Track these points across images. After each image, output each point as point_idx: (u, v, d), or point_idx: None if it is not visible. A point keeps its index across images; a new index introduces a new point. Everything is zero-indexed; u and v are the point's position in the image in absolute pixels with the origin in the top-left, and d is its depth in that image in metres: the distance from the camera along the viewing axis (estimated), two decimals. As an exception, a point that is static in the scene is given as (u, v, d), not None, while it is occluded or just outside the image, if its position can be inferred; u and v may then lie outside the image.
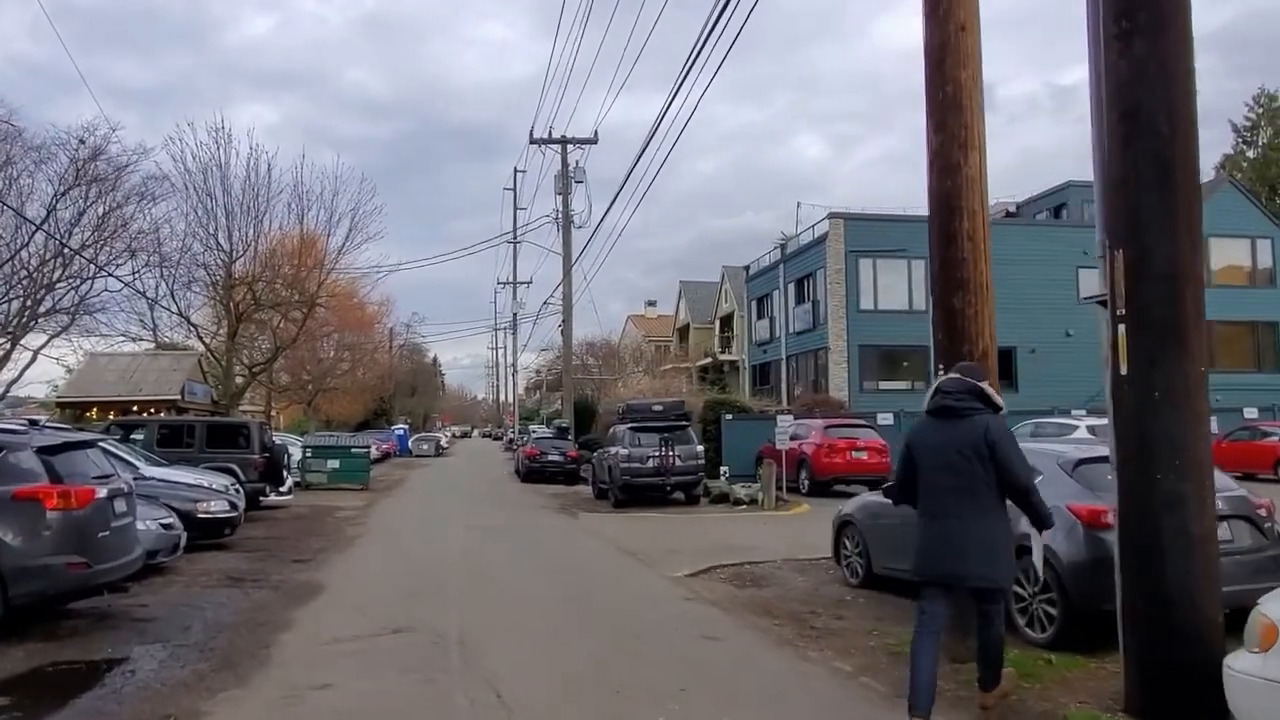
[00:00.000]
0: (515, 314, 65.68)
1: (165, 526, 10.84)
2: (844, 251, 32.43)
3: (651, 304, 76.61)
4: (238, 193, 24.98)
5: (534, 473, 30.11)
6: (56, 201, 19.59)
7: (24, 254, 19.84)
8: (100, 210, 20.61)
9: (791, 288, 36.91)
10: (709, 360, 52.60)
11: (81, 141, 19.65)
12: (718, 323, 58.27)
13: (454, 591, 9.80)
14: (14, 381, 22.78)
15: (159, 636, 7.55)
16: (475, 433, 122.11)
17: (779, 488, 19.29)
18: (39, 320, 21.35)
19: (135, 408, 22.48)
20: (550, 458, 30.45)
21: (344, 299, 43.21)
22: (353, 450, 25.94)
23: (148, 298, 23.89)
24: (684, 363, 55.74)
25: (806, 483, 21.18)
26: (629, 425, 20.75)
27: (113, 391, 22.87)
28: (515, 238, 55.10)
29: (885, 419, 24.76)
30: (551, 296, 45.51)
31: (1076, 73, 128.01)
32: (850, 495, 21.76)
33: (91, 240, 20.68)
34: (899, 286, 32.64)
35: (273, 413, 46.80)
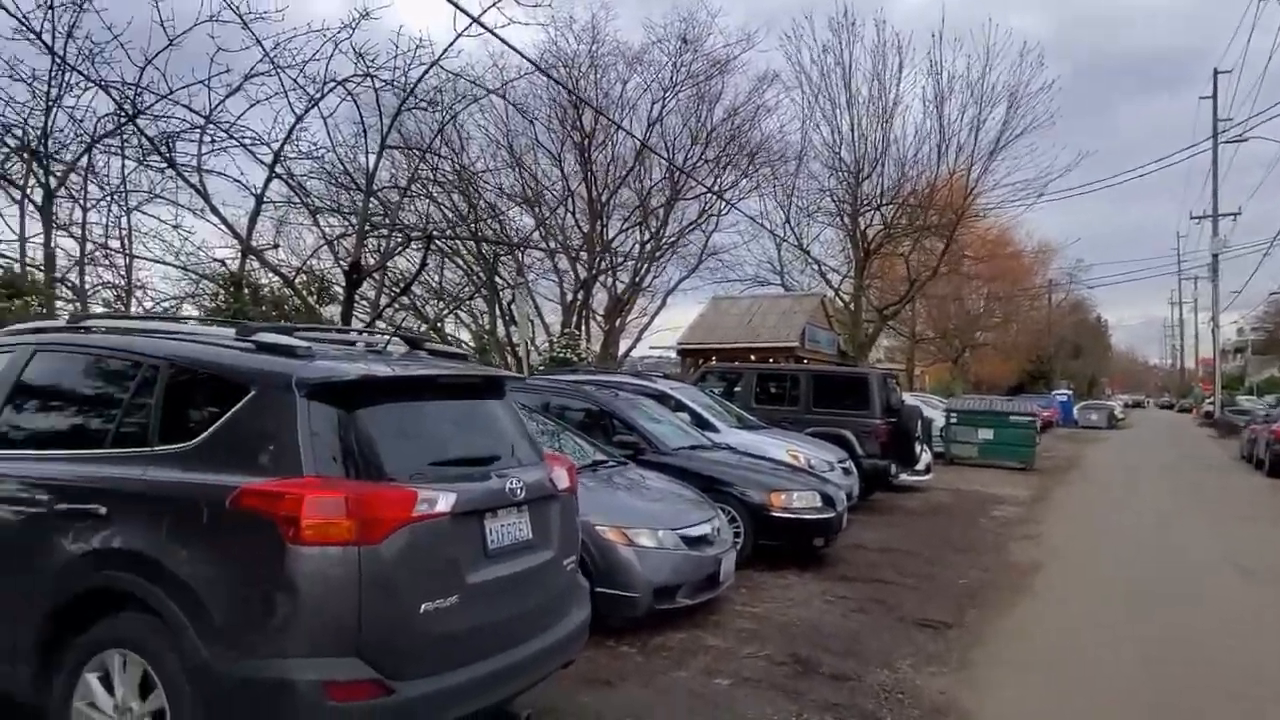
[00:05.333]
0: (1215, 254, 50.77)
1: (693, 542, 6.16)
2: None
3: None
4: (864, 95, 20.31)
5: (1292, 464, 19.78)
6: (663, 110, 17.07)
7: (638, 180, 17.97)
8: (706, 121, 17.70)
9: None
10: None
11: (684, 40, 16.91)
12: None
13: None
14: (645, 328, 21.71)
15: None
16: (1149, 402, 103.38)
17: None
18: (659, 259, 19.55)
19: (752, 355, 19.52)
20: (1325, 443, 19.70)
21: (995, 246, 36.79)
22: (1012, 418, 19.51)
23: (769, 229, 20.79)
24: None
25: None
26: None
27: (730, 337, 20.38)
28: (1216, 143, 41.64)
29: None
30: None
31: None
32: None
33: (701, 161, 17.97)
34: None
35: (916, 371, 42.58)
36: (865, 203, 20.90)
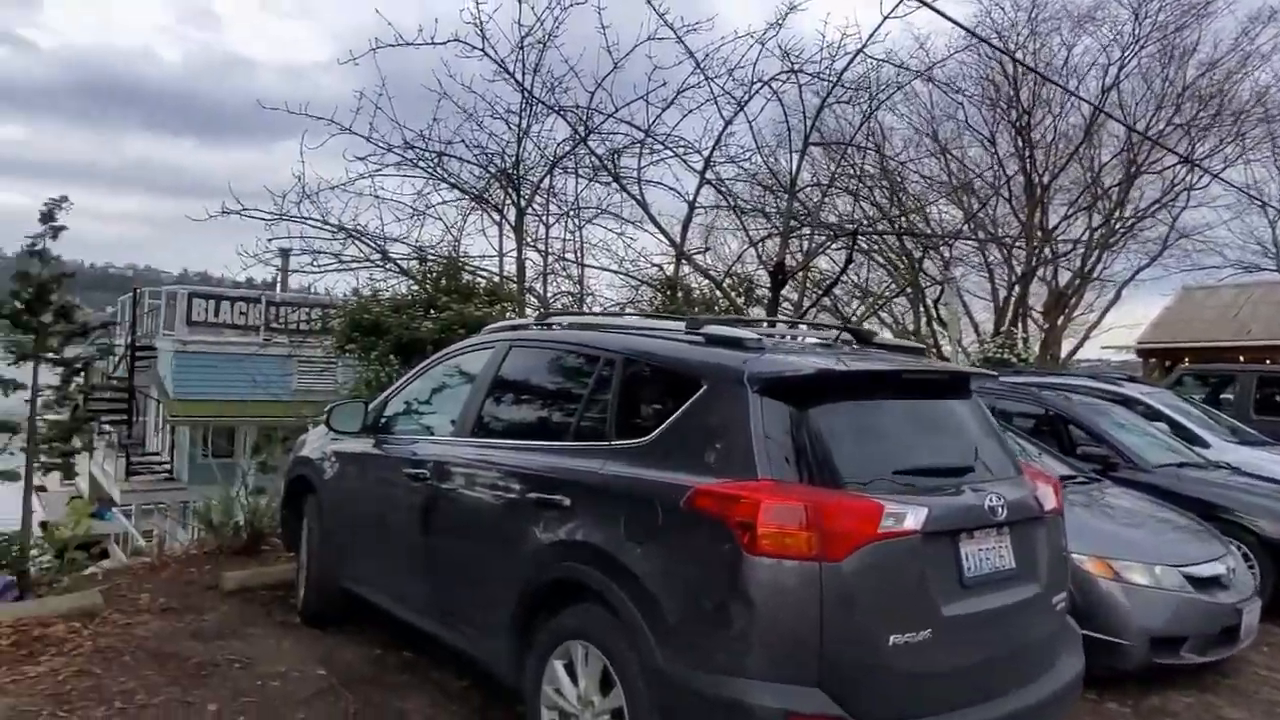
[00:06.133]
0: None
1: (1201, 584, 4.94)
2: None
3: None
4: None
5: None
6: (1120, 74, 14.63)
7: (1085, 159, 15.71)
8: (1176, 80, 14.85)
9: None
10: None
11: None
12: None
13: None
14: (1093, 326, 19.07)
15: None
16: None
17: None
18: (1112, 247, 16.99)
19: (1241, 355, 16.05)
20: None
21: None
22: None
23: (1261, 202, 16.98)
24: None
25: None
26: None
27: (1208, 334, 16.90)
28: None
29: None
30: None
31: None
32: None
33: (1169, 127, 15.18)
34: None
35: None
36: None
